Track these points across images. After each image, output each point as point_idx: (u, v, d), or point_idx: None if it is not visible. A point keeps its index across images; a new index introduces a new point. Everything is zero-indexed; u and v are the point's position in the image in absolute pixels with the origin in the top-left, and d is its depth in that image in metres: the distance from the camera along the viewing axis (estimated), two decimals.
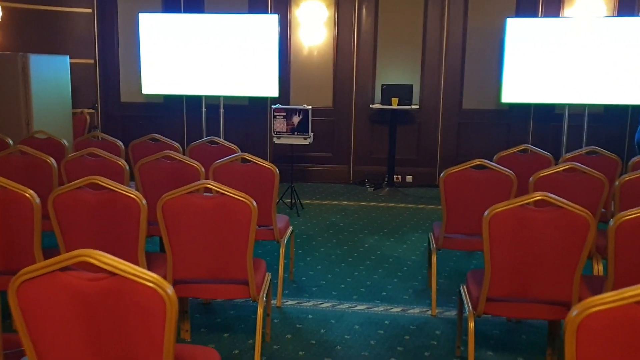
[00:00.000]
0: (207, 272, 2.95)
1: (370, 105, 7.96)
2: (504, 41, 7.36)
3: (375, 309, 4.00)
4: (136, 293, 1.56)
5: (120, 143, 5.08)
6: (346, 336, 3.57)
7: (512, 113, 7.99)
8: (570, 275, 2.76)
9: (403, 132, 8.06)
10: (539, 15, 7.74)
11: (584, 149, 4.78)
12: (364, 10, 8.02)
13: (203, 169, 3.94)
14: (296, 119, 6.64)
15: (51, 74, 6.93)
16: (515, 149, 4.72)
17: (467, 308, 3.04)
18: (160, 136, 5.10)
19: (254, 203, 2.82)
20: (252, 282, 2.97)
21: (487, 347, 3.48)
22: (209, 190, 2.90)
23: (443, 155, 8.18)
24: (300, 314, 3.87)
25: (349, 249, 5.32)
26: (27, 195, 2.73)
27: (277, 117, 6.65)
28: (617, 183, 3.78)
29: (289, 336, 3.55)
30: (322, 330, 3.63)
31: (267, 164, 3.93)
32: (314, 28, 8.09)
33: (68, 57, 7.35)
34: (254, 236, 2.88)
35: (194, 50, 7.65)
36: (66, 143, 5.03)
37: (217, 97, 7.75)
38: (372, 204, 7.15)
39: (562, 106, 7.54)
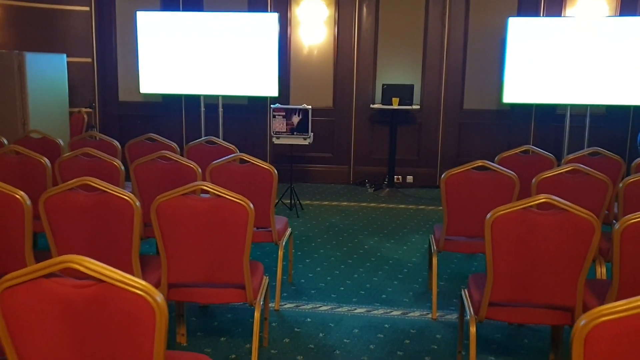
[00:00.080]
0: (203, 275, 2.88)
1: (371, 105, 7.90)
2: (506, 41, 7.30)
3: (375, 312, 3.93)
4: (124, 301, 1.50)
5: (116, 143, 5.01)
6: (345, 340, 3.50)
7: (513, 113, 7.93)
8: (574, 280, 2.69)
9: (404, 133, 8.00)
10: (541, 15, 7.67)
11: (587, 150, 4.71)
12: (364, 9, 7.96)
13: (200, 170, 3.87)
14: (296, 119, 6.57)
15: (48, 73, 6.87)
16: (517, 150, 4.65)
17: (468, 312, 2.97)
18: (157, 136, 5.04)
19: (251, 205, 2.76)
20: (249, 286, 2.91)
21: (488, 352, 3.41)
22: (205, 191, 2.84)
23: (444, 155, 8.12)
24: (298, 318, 3.81)
25: (349, 250, 5.25)
26: (18, 196, 2.66)
27: (277, 116, 6.58)
28: (620, 185, 3.72)
29: (287, 340, 3.48)
30: (320, 334, 3.57)
31: (265, 165, 3.86)
32: (314, 27, 8.03)
33: (65, 55, 7.30)
34: (251, 239, 2.81)
35: (193, 49, 7.59)
36: (62, 143, 4.96)
37: (216, 97, 7.69)
38: (372, 204, 7.08)
39: (563, 107, 7.48)
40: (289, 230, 4.30)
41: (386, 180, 7.86)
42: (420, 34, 7.96)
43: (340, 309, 3.96)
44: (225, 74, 7.58)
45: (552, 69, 7.21)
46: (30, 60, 6.52)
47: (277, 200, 6.53)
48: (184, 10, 8.03)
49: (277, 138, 6.66)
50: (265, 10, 7.92)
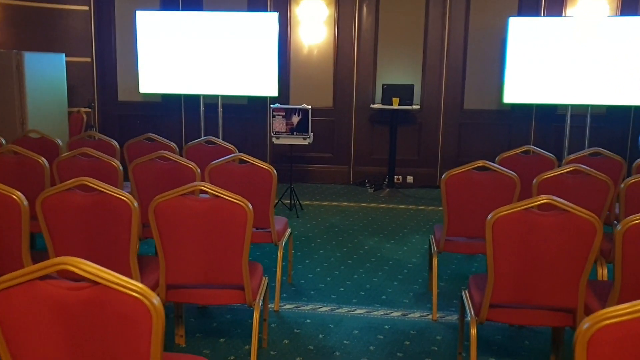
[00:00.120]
0: (201, 277, 2.86)
1: (371, 105, 7.87)
2: (506, 41, 7.27)
3: (375, 313, 3.91)
4: (120, 303, 1.47)
5: (115, 143, 4.98)
6: (345, 341, 3.48)
7: (513, 113, 7.90)
8: (576, 281, 2.67)
9: (404, 133, 7.97)
10: (542, 15, 7.65)
11: (588, 150, 4.69)
12: (364, 8, 7.93)
13: (199, 170, 3.85)
14: (295, 119, 6.55)
15: (46, 72, 6.85)
16: (517, 150, 4.63)
17: (469, 314, 2.95)
18: (156, 136, 5.02)
19: (250, 206, 2.73)
20: (248, 288, 2.88)
21: (489, 353, 3.39)
22: (204, 192, 2.81)
23: (444, 155, 8.09)
24: (298, 319, 3.78)
25: (349, 251, 5.23)
26: (15, 197, 2.64)
27: (276, 116, 6.56)
28: (622, 186, 3.69)
29: (286, 341, 3.46)
30: (320, 336, 3.54)
31: (264, 165, 3.84)
32: (314, 26, 8.00)
33: (64, 55, 7.27)
34: (250, 240, 2.79)
35: (192, 48, 7.57)
36: (60, 142, 4.94)
37: (216, 97, 7.67)
38: (372, 205, 7.06)
39: (564, 107, 7.46)
40: (289, 230, 4.28)
41: (386, 180, 7.84)
42: (420, 33, 7.94)
43: (340, 310, 3.94)
44: (224, 73, 7.55)
45: (552, 69, 7.19)
46: (28, 60, 6.49)
47: (276, 201, 6.51)
48: (184, 9, 8.01)
49: (277, 138, 6.63)
50: (265, 10, 7.89)
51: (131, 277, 2.80)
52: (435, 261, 3.88)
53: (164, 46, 7.61)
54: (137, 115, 8.30)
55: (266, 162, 3.91)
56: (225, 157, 3.93)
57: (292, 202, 6.59)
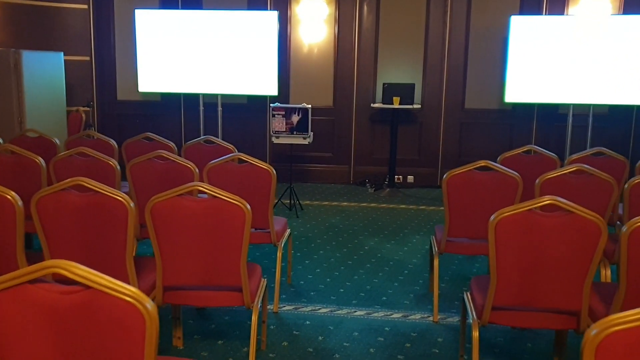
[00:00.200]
0: (199, 278, 2.81)
1: (371, 105, 7.83)
2: (508, 40, 7.23)
3: (375, 314, 3.86)
4: (113, 308, 1.42)
5: (113, 142, 4.93)
6: (345, 344, 3.43)
7: (515, 113, 7.86)
8: (580, 284, 2.62)
9: (404, 132, 7.93)
10: (544, 13, 7.60)
11: (591, 150, 4.65)
12: (365, 7, 7.89)
13: (197, 170, 3.80)
14: (295, 118, 6.50)
15: (45, 71, 6.80)
16: (519, 150, 4.58)
17: (471, 316, 2.90)
18: (155, 135, 4.97)
19: (248, 207, 2.69)
20: (246, 289, 2.84)
21: (490, 356, 3.35)
22: (203, 192, 2.77)
23: (445, 155, 8.05)
24: (297, 320, 3.74)
25: (349, 251, 5.18)
26: (9, 197, 2.59)
27: (276, 116, 6.51)
28: (626, 186, 3.64)
29: (285, 344, 3.42)
30: (320, 338, 3.50)
31: (263, 165, 3.79)
32: (314, 25, 7.96)
33: (62, 53, 7.23)
34: (248, 241, 2.74)
35: (192, 47, 7.52)
36: (58, 142, 4.89)
37: (215, 96, 7.62)
38: (372, 205, 7.02)
39: (566, 106, 7.41)
40: (288, 231, 4.23)
41: (387, 180, 7.80)
42: (421, 32, 7.89)
43: (340, 312, 3.89)
44: (224, 72, 7.51)
45: (554, 68, 7.14)
46: (27, 59, 6.44)
47: (276, 201, 6.47)
48: (183, 8, 7.96)
49: (277, 137, 6.59)
50: (265, 9, 7.85)
51: (127, 279, 2.76)
52: (436, 262, 3.84)
53: (163, 45, 7.57)
54: (136, 114, 8.26)
55: (266, 161, 3.87)
56: (224, 157, 3.89)
57: (292, 202, 6.54)
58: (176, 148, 4.83)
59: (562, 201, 2.53)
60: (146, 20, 7.58)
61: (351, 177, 8.20)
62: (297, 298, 4.11)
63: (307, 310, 3.91)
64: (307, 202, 7.00)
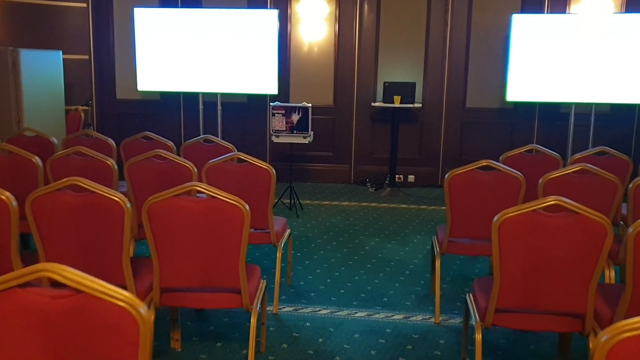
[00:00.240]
0: (197, 280, 2.76)
1: (372, 104, 7.78)
2: (509, 38, 7.18)
3: (376, 316, 3.82)
4: (105, 313, 1.38)
5: (111, 141, 4.88)
6: (345, 346, 3.39)
7: (516, 112, 7.80)
8: (585, 286, 2.57)
9: (405, 131, 7.88)
10: (545, 12, 7.55)
11: (594, 149, 4.60)
12: (365, 6, 7.83)
13: (196, 169, 3.75)
14: (295, 117, 6.45)
15: (43, 70, 6.76)
16: (521, 149, 4.54)
17: (473, 318, 2.86)
18: (153, 134, 4.92)
19: (247, 207, 2.64)
20: (245, 291, 2.79)
21: (493, 358, 3.30)
22: (201, 192, 2.72)
23: (446, 154, 8.00)
24: (297, 322, 3.69)
25: (349, 251, 5.14)
26: (3, 197, 2.54)
27: (276, 115, 6.46)
28: (630, 186, 3.59)
29: (285, 346, 3.37)
30: (320, 339, 3.45)
31: (263, 164, 3.74)
32: (315, 24, 7.90)
33: (60, 52, 7.18)
34: (247, 242, 2.69)
35: (191, 46, 7.47)
36: (55, 141, 4.85)
37: (215, 94, 7.57)
38: (373, 204, 6.97)
39: (568, 105, 7.36)
40: (288, 231, 4.19)
41: (387, 179, 7.75)
42: (422, 31, 7.84)
43: (340, 313, 3.85)
44: (224, 71, 7.46)
45: (556, 67, 7.08)
46: (25, 57, 6.39)
47: (276, 200, 6.42)
48: (182, 7, 7.91)
49: (277, 137, 6.54)
50: (265, 7, 7.80)
51: (124, 280, 2.72)
52: (438, 263, 3.79)
53: (162, 44, 7.52)
54: (136, 113, 8.21)
55: (266, 160, 3.83)
56: (223, 156, 3.84)
57: (292, 201, 6.50)
58: (175, 147, 4.79)
59: (567, 202, 2.48)
60: (145, 19, 7.53)
61: (352, 176, 8.15)
62: (297, 299, 4.06)
63: (307, 311, 3.86)
64: (307, 201, 6.95)
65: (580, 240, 2.50)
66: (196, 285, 2.80)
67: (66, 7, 7.82)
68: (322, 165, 8.15)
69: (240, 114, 8.06)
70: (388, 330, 3.60)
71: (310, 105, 6.47)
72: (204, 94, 7.64)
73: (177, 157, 3.85)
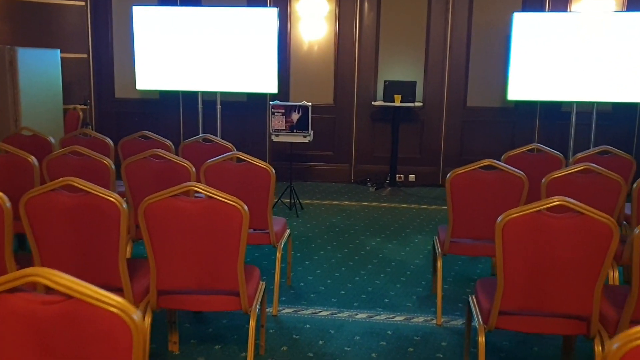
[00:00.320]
0: (194, 282, 2.71)
1: (372, 103, 7.73)
2: (510, 37, 7.12)
3: (377, 317, 3.77)
4: (97, 319, 1.33)
5: (109, 141, 4.83)
6: (346, 348, 3.34)
7: (517, 111, 7.75)
8: (591, 287, 2.52)
9: (406, 130, 7.83)
10: (546, 10, 7.50)
11: (596, 149, 4.55)
12: (366, 4, 7.78)
13: (194, 169, 3.70)
14: (295, 116, 6.40)
15: (41, 69, 6.71)
16: (523, 149, 4.49)
17: (476, 320, 2.81)
18: (151, 133, 4.87)
19: (245, 208, 2.59)
20: (244, 293, 2.74)
21: None
22: (199, 192, 2.66)
23: (447, 154, 7.95)
24: (297, 323, 3.64)
25: (350, 252, 5.09)
26: None
27: (276, 114, 6.41)
28: (634, 186, 3.54)
29: (284, 348, 3.32)
30: (320, 342, 3.40)
31: (262, 164, 3.69)
32: (315, 22, 7.85)
33: (58, 50, 7.13)
34: (245, 243, 2.64)
35: (191, 44, 7.42)
36: (53, 140, 4.79)
37: (214, 93, 7.52)
38: (373, 204, 6.92)
39: (569, 104, 7.31)
40: (288, 231, 4.13)
41: (388, 178, 7.70)
42: (422, 29, 7.78)
43: (340, 314, 3.80)
44: (223, 70, 7.41)
45: (557, 66, 7.03)
46: (22, 56, 6.34)
47: (276, 200, 6.37)
48: (181, 5, 7.86)
49: (277, 136, 6.49)
50: (265, 5, 7.75)
51: (120, 282, 2.67)
52: (439, 263, 3.74)
53: (161, 42, 7.47)
54: (135, 112, 8.16)
55: (265, 160, 3.78)
56: (222, 156, 3.79)
57: (292, 201, 6.45)
58: (174, 146, 4.74)
59: (572, 202, 2.43)
60: (144, 17, 7.47)
61: (352, 175, 8.10)
62: (296, 300, 4.01)
63: (307, 313, 3.81)
64: (308, 201, 6.90)
65: (586, 241, 2.45)
66: (194, 288, 2.74)
67: (64, 5, 7.77)
68: (322, 165, 8.10)
69: (239, 113, 8.01)
70: (389, 332, 3.55)
71: (310, 104, 6.42)
72: (204, 93, 7.59)
73: (175, 156, 3.80)
